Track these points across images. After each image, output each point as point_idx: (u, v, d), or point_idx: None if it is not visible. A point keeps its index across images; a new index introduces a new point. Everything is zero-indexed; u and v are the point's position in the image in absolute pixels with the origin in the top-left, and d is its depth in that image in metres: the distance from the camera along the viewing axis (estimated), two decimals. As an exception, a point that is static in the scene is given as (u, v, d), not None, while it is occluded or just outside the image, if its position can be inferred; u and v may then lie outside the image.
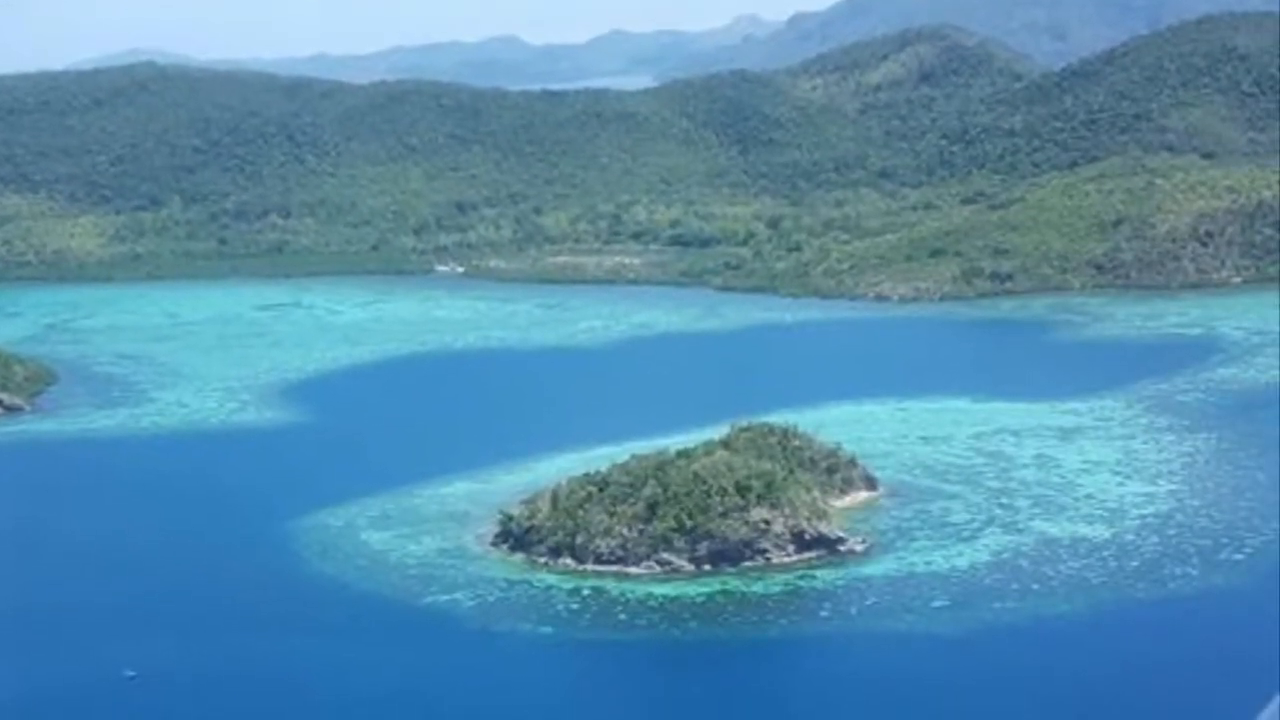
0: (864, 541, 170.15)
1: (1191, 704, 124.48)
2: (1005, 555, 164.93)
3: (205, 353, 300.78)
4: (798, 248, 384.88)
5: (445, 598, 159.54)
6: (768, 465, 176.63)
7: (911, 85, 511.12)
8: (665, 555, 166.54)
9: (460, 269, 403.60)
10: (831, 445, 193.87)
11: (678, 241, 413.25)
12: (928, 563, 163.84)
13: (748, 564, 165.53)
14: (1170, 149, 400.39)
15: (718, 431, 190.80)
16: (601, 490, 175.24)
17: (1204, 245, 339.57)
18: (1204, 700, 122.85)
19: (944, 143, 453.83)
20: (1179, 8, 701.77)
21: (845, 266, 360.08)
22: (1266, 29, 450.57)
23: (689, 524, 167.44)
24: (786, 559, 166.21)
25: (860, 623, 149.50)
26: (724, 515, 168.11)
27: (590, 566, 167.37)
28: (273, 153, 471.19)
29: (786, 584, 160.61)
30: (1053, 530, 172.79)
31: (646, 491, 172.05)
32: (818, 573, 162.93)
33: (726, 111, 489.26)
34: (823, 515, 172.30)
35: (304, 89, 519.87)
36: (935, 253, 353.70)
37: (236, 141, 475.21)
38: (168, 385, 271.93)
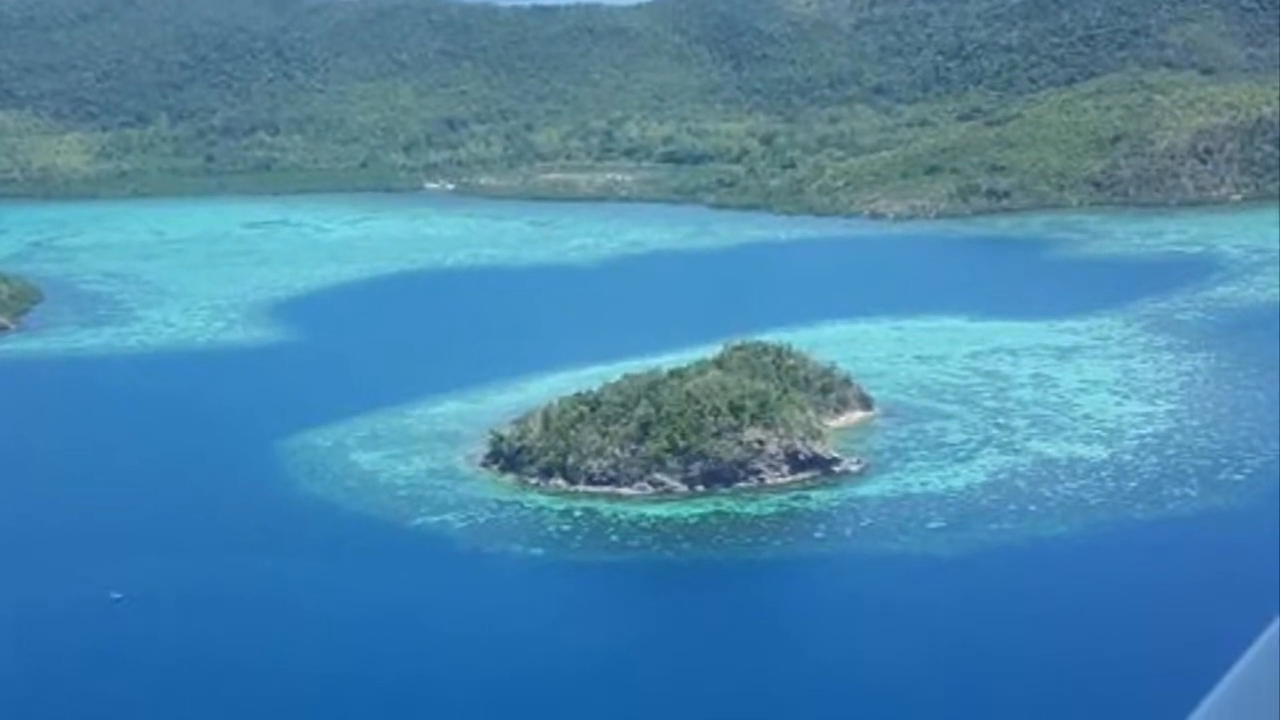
0: (859, 462, 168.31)
1: (1190, 626, 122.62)
2: (1002, 476, 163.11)
3: (192, 271, 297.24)
4: (792, 165, 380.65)
5: (435, 519, 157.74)
6: (761, 385, 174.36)
7: (907, 0, 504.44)
8: (658, 476, 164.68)
9: (450, 186, 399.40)
10: (826, 364, 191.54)
11: (670, 158, 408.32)
12: (924, 483, 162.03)
13: (741, 485, 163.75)
14: (1169, 65, 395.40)
15: (711, 351, 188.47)
16: (593, 410, 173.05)
17: (1203, 162, 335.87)
18: (1203, 622, 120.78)
19: (940, 59, 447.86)
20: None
21: (840, 184, 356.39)
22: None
23: (682, 444, 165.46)
24: (781, 479, 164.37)
25: (855, 544, 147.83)
26: (717, 435, 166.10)
27: (582, 487, 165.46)
28: (261, 69, 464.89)
29: (780, 505, 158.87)
30: (1050, 450, 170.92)
31: (639, 411, 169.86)
32: (812, 493, 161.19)
33: (720, 27, 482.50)
34: (817, 435, 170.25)
35: (293, 4, 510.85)
36: (931, 170, 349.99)
37: (224, 57, 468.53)
38: (154, 304, 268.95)
